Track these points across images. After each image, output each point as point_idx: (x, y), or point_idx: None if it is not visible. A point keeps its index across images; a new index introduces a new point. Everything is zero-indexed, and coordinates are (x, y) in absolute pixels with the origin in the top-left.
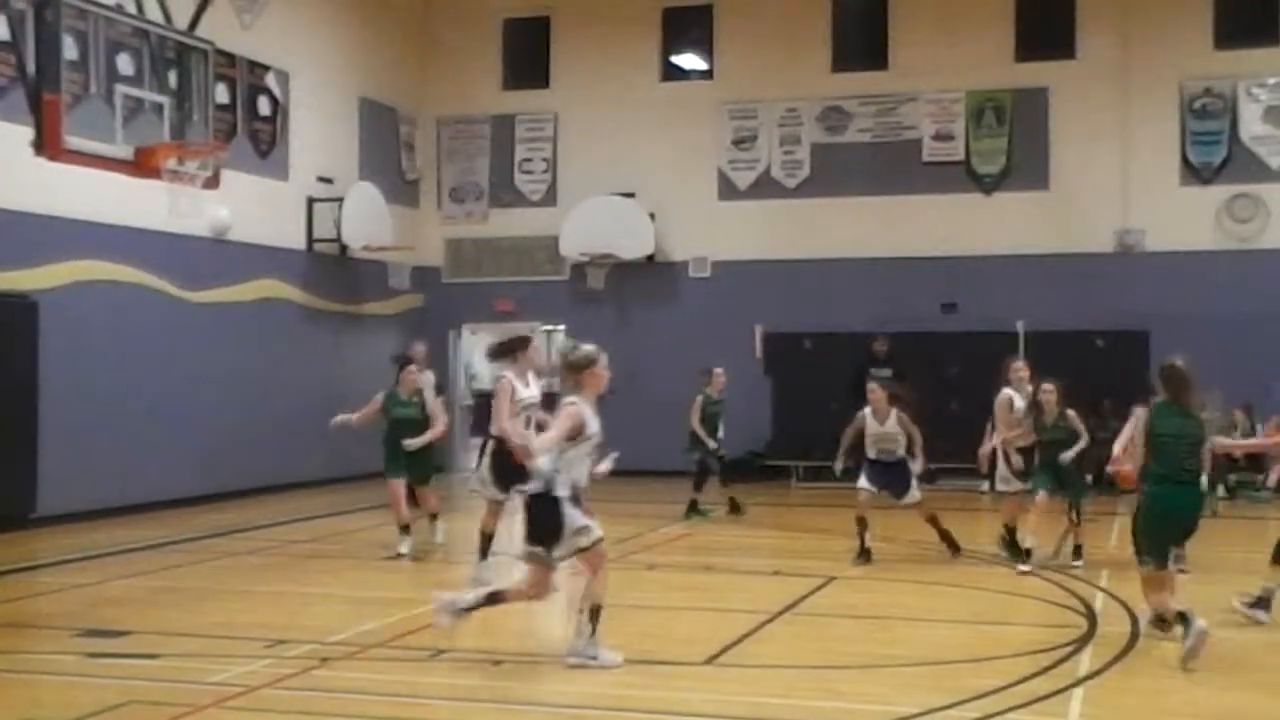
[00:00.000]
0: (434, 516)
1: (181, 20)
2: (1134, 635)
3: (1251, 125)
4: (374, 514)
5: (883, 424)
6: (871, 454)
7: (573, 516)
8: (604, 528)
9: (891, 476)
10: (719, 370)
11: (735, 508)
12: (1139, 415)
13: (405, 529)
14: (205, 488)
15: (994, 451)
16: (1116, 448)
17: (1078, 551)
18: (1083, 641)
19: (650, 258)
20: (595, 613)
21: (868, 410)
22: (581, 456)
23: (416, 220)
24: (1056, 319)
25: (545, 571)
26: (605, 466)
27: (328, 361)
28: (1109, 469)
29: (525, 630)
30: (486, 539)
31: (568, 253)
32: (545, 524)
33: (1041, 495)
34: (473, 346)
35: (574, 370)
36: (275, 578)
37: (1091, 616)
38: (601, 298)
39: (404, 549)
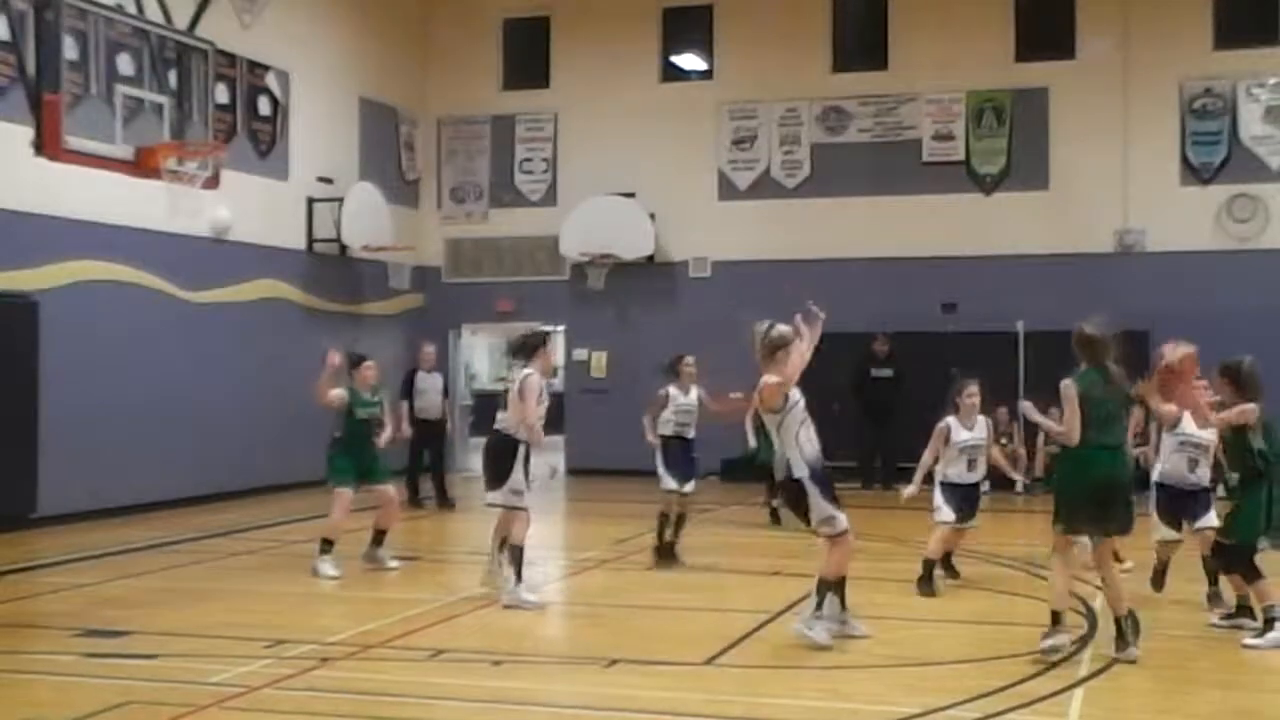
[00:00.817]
0: (385, 532)
1: (181, 20)
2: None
3: (1251, 125)
4: (373, 514)
5: (972, 430)
6: (953, 472)
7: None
8: (604, 528)
9: (970, 500)
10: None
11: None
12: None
13: (332, 545)
14: (205, 488)
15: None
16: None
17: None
18: (1083, 642)
19: (650, 258)
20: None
21: (952, 419)
22: None
23: (416, 220)
24: (1056, 319)
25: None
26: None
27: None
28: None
29: (524, 630)
30: (517, 551)
31: (568, 253)
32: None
33: None
34: (473, 347)
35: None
36: (275, 578)
37: (1092, 617)
38: (601, 298)
39: (334, 570)
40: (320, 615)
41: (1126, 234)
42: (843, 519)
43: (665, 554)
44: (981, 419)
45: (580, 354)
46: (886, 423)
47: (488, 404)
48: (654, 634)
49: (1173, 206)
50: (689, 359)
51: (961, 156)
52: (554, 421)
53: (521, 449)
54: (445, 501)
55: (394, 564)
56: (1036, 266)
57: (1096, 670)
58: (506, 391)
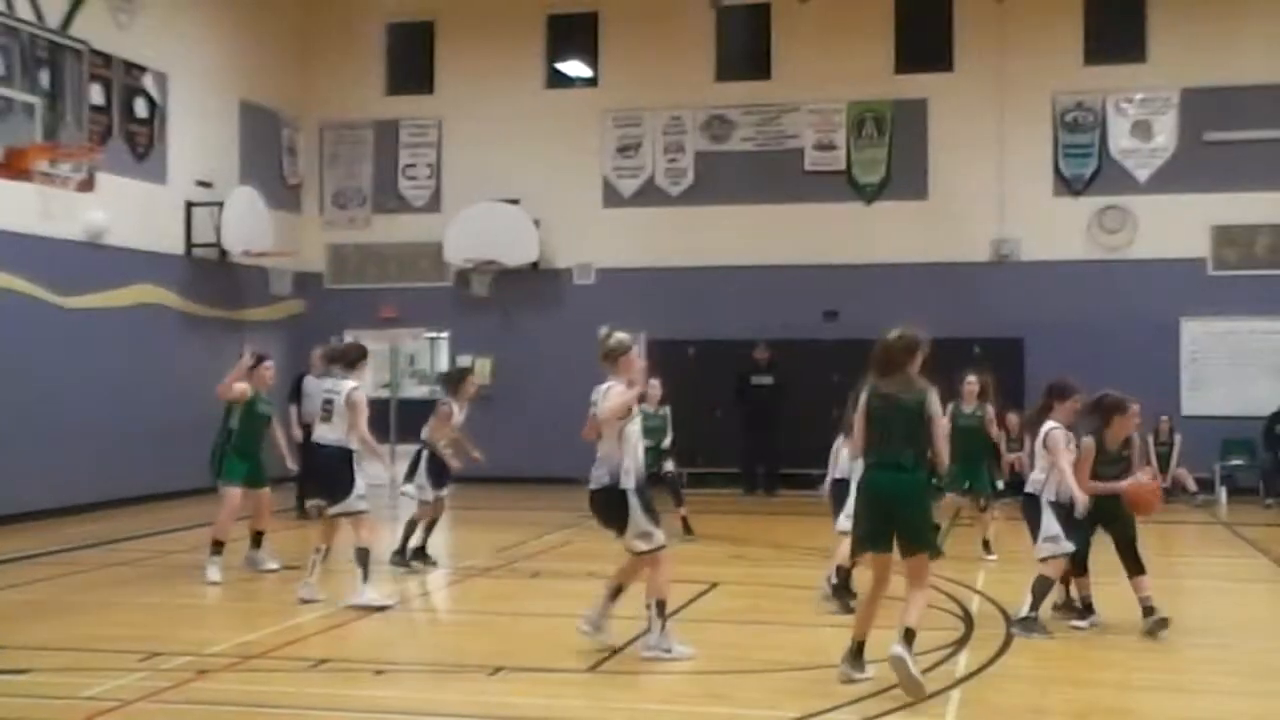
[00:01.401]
0: (263, 534)
1: (54, 19)
2: (1009, 636)
3: (1120, 139)
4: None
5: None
6: None
7: None
8: (488, 536)
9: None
10: (654, 382)
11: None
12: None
13: (222, 547)
14: (78, 498)
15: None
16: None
17: (986, 545)
18: (960, 643)
19: (535, 265)
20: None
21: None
22: None
23: (298, 225)
24: (934, 327)
25: None
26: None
27: (207, 369)
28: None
29: (407, 639)
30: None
31: (452, 259)
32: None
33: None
34: None
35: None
36: (151, 589)
37: (968, 619)
38: (486, 305)
39: (218, 575)
40: (199, 626)
41: (1002, 244)
42: (660, 535)
43: (420, 555)
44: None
45: (464, 361)
46: (765, 430)
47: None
48: (538, 641)
49: (1046, 217)
50: (474, 376)
51: (843, 166)
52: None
53: (355, 456)
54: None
55: (273, 565)
56: (915, 275)
57: (973, 671)
58: (329, 403)
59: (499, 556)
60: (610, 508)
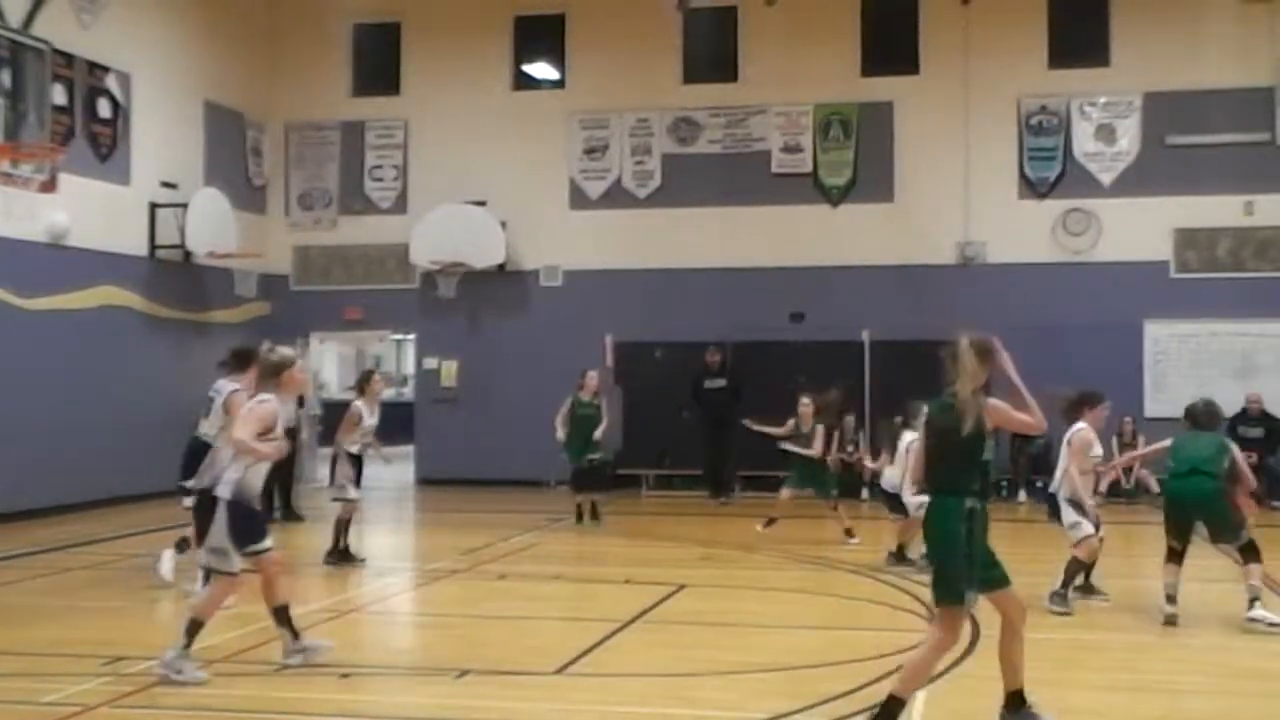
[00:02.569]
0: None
1: (15, 18)
2: (975, 636)
3: (1084, 142)
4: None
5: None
6: None
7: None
8: (455, 538)
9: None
10: (592, 373)
11: (593, 514)
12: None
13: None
14: (42, 501)
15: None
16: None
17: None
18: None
19: (501, 266)
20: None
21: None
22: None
23: (264, 227)
24: (900, 329)
25: None
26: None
27: (171, 371)
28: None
29: (373, 642)
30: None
31: (418, 261)
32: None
33: (785, 491)
34: (322, 355)
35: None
36: (114, 593)
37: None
38: (452, 306)
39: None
40: (162, 630)
41: (967, 246)
42: (237, 562)
43: (345, 556)
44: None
45: (430, 363)
46: (723, 433)
47: (337, 413)
48: (504, 644)
49: (1011, 220)
50: (379, 376)
51: (809, 168)
52: (404, 431)
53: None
54: (290, 514)
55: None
56: (881, 277)
57: (938, 672)
58: (211, 400)
59: (465, 559)
60: (203, 510)
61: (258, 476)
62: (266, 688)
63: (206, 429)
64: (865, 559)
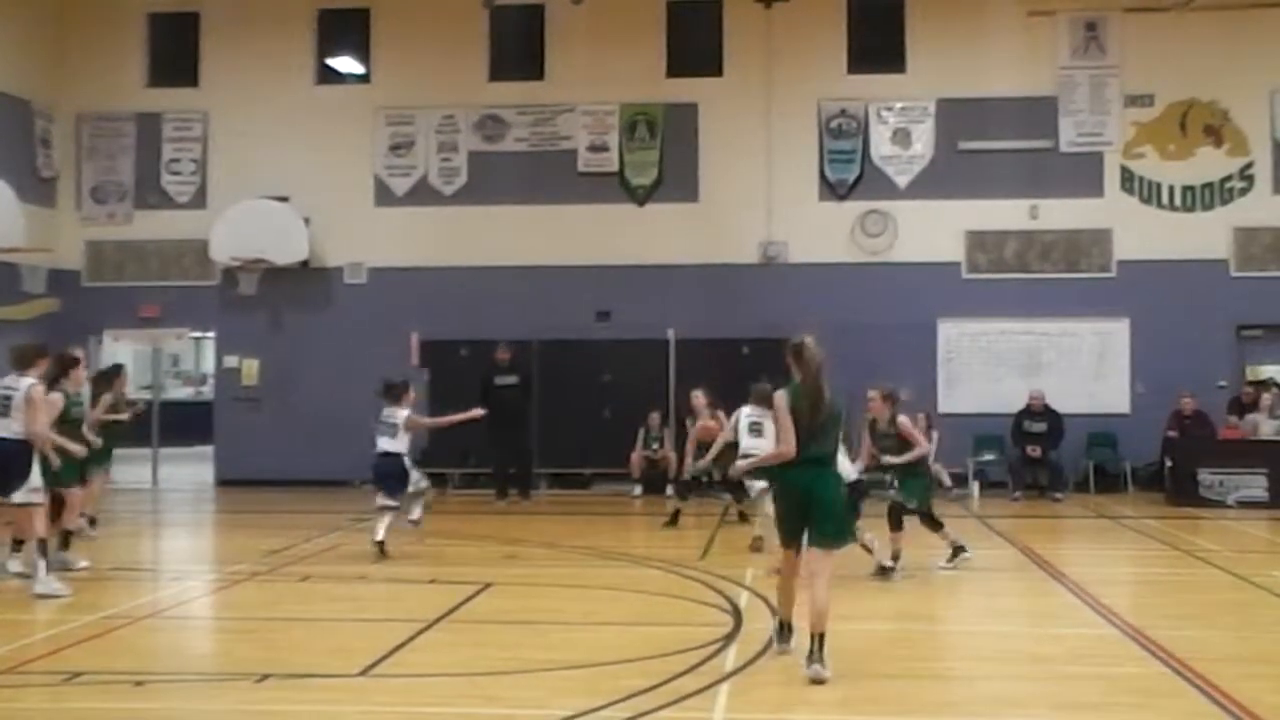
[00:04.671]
0: (71, 533)
1: None
2: (789, 628)
3: (881, 146)
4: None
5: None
6: None
7: None
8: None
9: None
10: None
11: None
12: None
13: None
14: None
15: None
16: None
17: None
18: (728, 639)
19: (304, 263)
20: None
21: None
22: None
23: (53, 221)
24: (705, 327)
25: None
26: None
27: None
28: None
29: (170, 648)
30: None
31: (218, 257)
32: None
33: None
34: (116, 353)
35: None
36: None
37: (737, 614)
38: (253, 303)
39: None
40: None
41: (770, 246)
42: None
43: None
44: None
45: (231, 361)
46: (515, 431)
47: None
48: (307, 646)
49: (812, 221)
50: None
51: (615, 168)
52: (204, 430)
53: (35, 450)
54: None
55: (84, 564)
56: (686, 276)
57: (740, 665)
58: (7, 399)
59: (267, 561)
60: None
61: None
62: (57, 698)
63: (4, 428)
64: (672, 555)
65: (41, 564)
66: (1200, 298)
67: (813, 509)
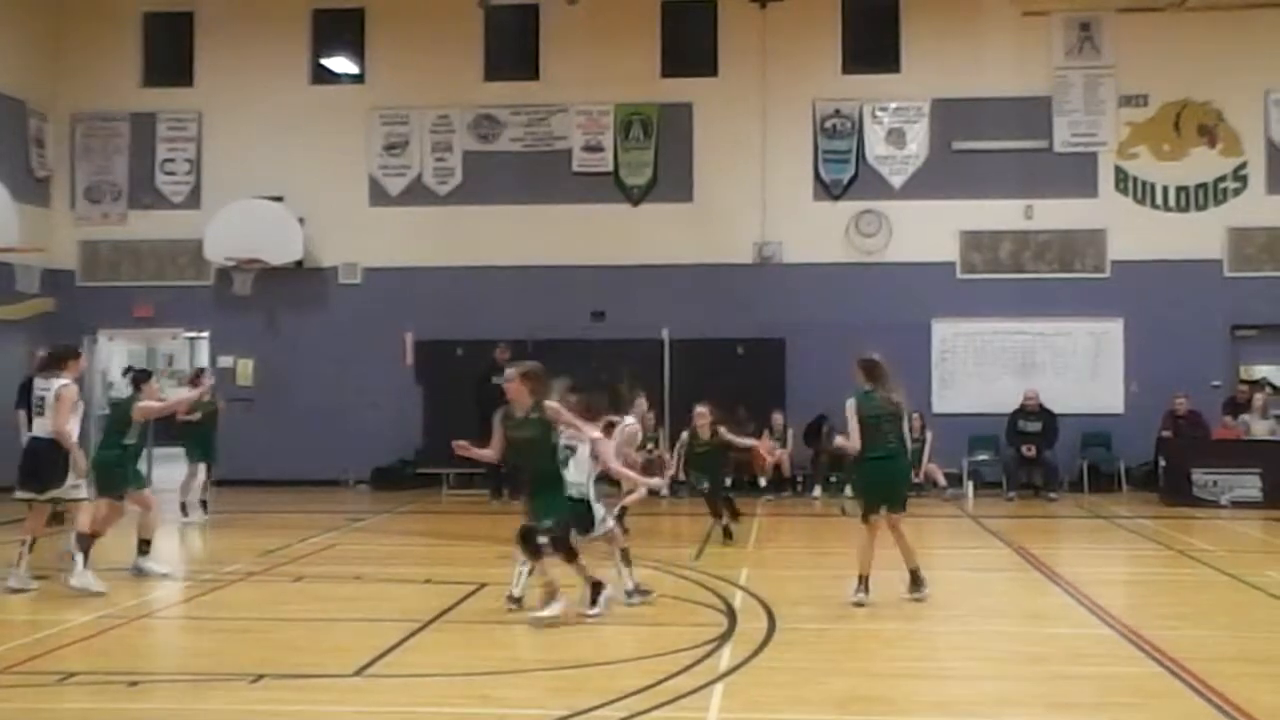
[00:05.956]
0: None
1: None
2: (770, 630)
3: (876, 146)
4: (2, 531)
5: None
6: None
7: None
8: (251, 540)
9: None
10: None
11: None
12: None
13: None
14: None
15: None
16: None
17: (727, 532)
18: (723, 638)
19: (299, 263)
20: None
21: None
22: None
23: (48, 220)
24: (700, 327)
25: None
26: None
27: None
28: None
29: (165, 648)
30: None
31: (212, 257)
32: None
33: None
34: (111, 353)
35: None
36: None
37: (732, 614)
38: (248, 304)
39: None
40: None
41: (764, 246)
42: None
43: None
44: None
45: (226, 361)
46: None
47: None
48: (302, 646)
49: (806, 221)
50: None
51: (610, 168)
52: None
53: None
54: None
55: (164, 569)
56: (681, 276)
57: (736, 665)
58: (41, 400)
59: (261, 561)
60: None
61: None
62: (51, 699)
63: (40, 427)
64: (667, 555)
65: (79, 558)
66: (1194, 298)
67: (890, 488)
